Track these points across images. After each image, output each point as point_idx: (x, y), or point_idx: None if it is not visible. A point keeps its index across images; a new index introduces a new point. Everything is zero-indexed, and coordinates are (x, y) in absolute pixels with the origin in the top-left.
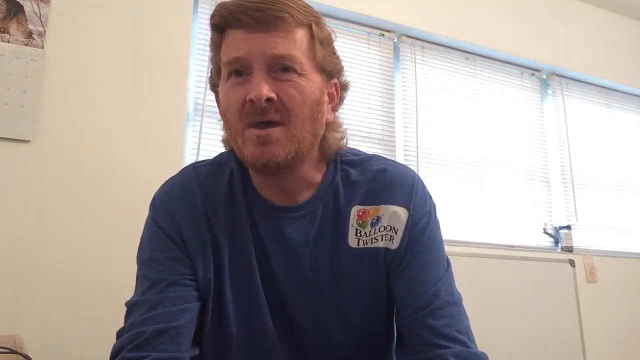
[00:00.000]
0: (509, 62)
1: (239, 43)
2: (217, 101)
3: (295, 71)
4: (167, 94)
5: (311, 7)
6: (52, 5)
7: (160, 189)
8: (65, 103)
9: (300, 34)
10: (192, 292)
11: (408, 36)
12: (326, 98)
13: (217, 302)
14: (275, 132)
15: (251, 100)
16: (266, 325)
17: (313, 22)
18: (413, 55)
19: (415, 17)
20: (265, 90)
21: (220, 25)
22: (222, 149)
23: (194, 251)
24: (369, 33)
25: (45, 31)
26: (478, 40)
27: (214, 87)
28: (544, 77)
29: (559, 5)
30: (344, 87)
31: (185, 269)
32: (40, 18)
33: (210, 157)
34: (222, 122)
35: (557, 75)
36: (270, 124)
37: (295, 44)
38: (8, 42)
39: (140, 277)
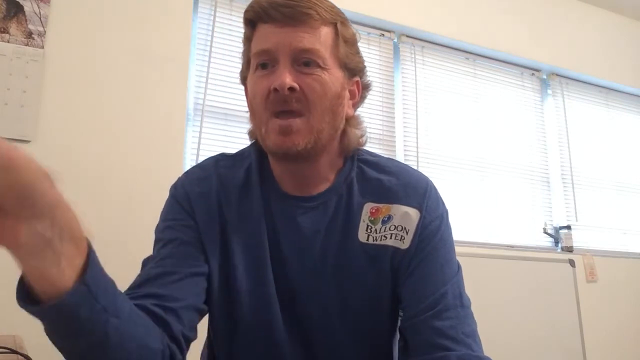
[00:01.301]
0: (509, 62)
1: (268, 36)
2: (246, 93)
3: (318, 65)
4: (167, 94)
5: (338, 8)
6: (52, 5)
7: (183, 173)
8: (65, 103)
9: (326, 31)
10: (201, 255)
11: (408, 36)
12: (347, 94)
13: (226, 285)
14: (297, 122)
15: (275, 89)
16: (273, 308)
17: (338, 22)
18: (413, 55)
19: (415, 17)
20: (289, 79)
21: (253, 19)
22: (222, 149)
23: (203, 231)
24: (369, 33)
25: (45, 31)
26: (478, 40)
27: (244, 80)
28: (544, 77)
29: (559, 5)
30: (365, 86)
31: (197, 234)
32: (40, 18)
33: (234, 152)
34: (249, 114)
35: (557, 75)
36: (292, 114)
37: (320, 39)
38: (8, 42)
39: (156, 240)
